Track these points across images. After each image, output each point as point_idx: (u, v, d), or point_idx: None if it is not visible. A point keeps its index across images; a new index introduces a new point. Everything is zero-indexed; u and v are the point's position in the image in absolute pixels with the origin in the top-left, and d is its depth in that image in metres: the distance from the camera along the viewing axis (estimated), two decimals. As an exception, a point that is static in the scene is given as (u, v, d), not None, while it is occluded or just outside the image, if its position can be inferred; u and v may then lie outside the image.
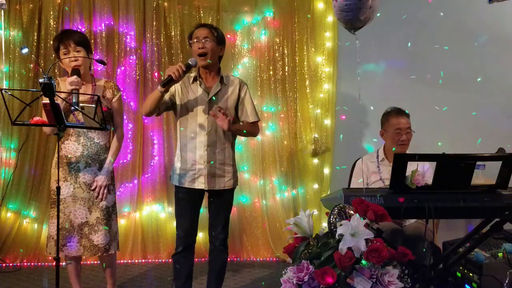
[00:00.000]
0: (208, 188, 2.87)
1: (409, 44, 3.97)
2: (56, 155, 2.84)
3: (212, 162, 2.83)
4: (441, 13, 3.89)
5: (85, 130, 2.82)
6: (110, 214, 2.92)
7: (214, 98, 2.82)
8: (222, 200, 2.93)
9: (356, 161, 3.37)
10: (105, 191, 2.87)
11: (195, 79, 2.87)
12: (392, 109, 3.23)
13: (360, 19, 2.39)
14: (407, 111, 3.21)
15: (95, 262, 3.95)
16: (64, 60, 2.82)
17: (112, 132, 3.00)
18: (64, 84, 2.78)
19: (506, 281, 2.73)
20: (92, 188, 2.85)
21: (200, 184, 2.85)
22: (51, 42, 3.92)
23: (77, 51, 2.81)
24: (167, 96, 2.80)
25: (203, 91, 2.84)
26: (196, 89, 2.86)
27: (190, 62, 2.72)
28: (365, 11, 2.35)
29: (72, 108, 2.56)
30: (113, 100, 2.95)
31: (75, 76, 2.70)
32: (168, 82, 2.65)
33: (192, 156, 2.85)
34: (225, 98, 2.87)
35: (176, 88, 2.85)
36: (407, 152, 3.18)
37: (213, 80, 2.88)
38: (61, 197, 2.74)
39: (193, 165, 2.85)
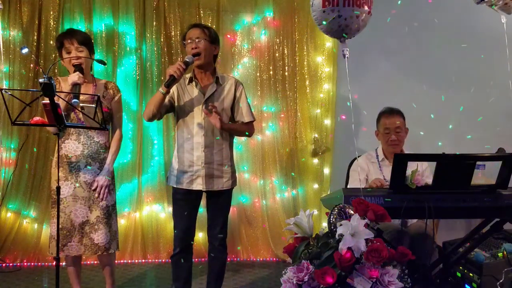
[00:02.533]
0: (206, 189, 2.86)
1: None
2: (56, 155, 2.84)
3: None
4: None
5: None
6: (110, 214, 2.92)
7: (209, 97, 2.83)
8: (220, 200, 2.93)
9: (354, 160, 3.35)
10: (106, 191, 2.87)
11: (190, 80, 2.86)
12: (385, 109, 3.22)
13: (350, 30, 2.38)
14: (400, 110, 3.19)
15: (95, 262, 3.95)
16: (66, 58, 2.82)
17: (111, 132, 3.00)
18: (65, 83, 2.79)
19: (502, 280, 2.73)
20: (93, 188, 2.86)
21: (198, 185, 2.85)
22: (51, 42, 3.94)
23: (80, 51, 2.81)
24: (166, 99, 2.81)
25: (199, 92, 2.84)
26: (192, 90, 2.86)
27: (187, 59, 2.72)
28: (349, 22, 2.34)
29: (73, 101, 2.57)
30: (113, 101, 2.96)
31: (77, 73, 2.72)
32: (171, 82, 2.67)
33: (189, 157, 2.84)
34: (221, 98, 2.87)
35: (173, 89, 2.85)
36: (406, 151, 3.17)
37: (209, 80, 2.87)
38: (61, 196, 2.74)
39: (191, 166, 2.84)
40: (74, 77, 2.70)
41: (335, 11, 2.33)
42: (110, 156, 2.93)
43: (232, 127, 2.90)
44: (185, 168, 2.85)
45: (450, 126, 4.13)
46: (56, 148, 2.82)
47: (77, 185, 2.84)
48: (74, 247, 2.83)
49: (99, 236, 2.85)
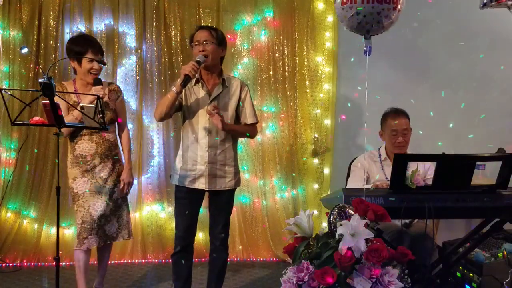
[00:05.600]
0: (209, 189, 2.88)
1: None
2: (71, 155, 3.02)
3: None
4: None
5: None
6: (120, 205, 3.13)
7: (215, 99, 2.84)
8: (222, 200, 2.94)
9: (355, 158, 3.35)
10: (130, 187, 3.17)
11: (197, 81, 2.88)
12: (390, 109, 3.20)
13: (371, 27, 2.36)
14: (405, 111, 3.19)
15: (95, 262, 3.94)
16: (85, 65, 2.95)
17: (117, 130, 3.19)
18: (71, 88, 3.00)
19: (507, 280, 2.73)
20: (121, 187, 3.09)
21: (201, 184, 2.86)
22: (51, 42, 3.97)
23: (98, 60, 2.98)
24: None
25: (205, 93, 2.86)
26: (198, 91, 2.87)
27: (199, 59, 2.75)
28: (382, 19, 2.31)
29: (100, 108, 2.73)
30: (117, 101, 3.12)
31: (100, 86, 2.93)
32: (186, 82, 2.71)
33: (193, 156, 2.86)
34: (226, 99, 2.88)
35: None
36: (408, 152, 3.17)
37: (215, 82, 2.89)
38: (79, 192, 2.99)
39: (194, 165, 2.86)
40: (99, 91, 2.87)
41: (353, 8, 2.29)
42: (126, 155, 3.17)
43: (234, 128, 2.91)
44: (188, 167, 2.87)
45: (451, 125, 4.13)
46: (56, 148, 2.82)
47: (94, 180, 3.00)
48: (94, 239, 3.01)
49: (110, 228, 3.09)
